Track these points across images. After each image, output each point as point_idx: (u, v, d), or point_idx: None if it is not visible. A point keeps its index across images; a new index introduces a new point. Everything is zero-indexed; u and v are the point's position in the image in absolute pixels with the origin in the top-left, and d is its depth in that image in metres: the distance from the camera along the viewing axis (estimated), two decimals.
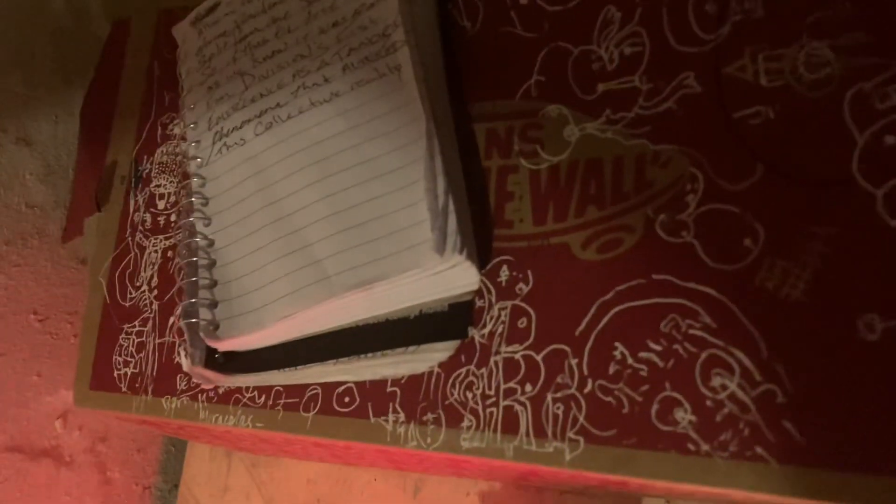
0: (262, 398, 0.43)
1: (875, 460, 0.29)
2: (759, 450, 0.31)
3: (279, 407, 0.42)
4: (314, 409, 0.41)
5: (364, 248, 0.38)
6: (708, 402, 0.33)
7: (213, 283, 0.42)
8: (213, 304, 0.42)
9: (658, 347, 0.34)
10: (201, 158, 0.45)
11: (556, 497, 0.53)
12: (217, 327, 0.41)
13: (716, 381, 0.33)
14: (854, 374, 0.30)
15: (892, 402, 0.29)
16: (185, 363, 0.43)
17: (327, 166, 0.40)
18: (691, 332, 0.34)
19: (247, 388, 0.43)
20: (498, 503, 0.55)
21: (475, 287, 0.38)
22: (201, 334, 0.42)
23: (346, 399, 0.41)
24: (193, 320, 0.42)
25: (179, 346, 0.45)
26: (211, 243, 0.43)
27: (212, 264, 0.43)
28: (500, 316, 0.38)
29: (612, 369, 0.35)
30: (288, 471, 0.64)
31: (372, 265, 0.38)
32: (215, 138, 0.45)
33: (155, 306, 0.48)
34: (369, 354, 0.40)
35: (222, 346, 0.42)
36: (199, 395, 0.45)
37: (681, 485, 0.33)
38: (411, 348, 0.39)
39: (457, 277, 0.37)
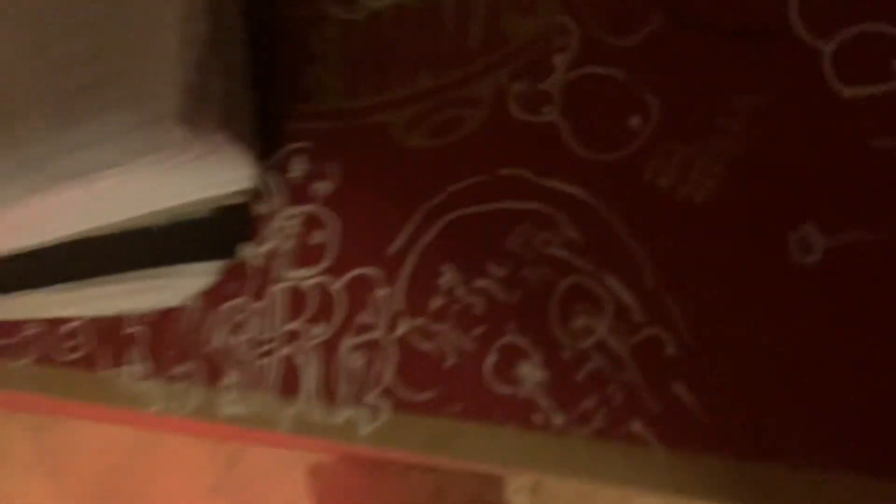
0: None
1: (808, 446, 0.19)
2: (636, 426, 0.21)
3: None
4: (31, 354, 0.29)
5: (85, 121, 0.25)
6: (565, 354, 0.22)
7: None
8: None
9: (501, 272, 0.23)
10: None
11: (399, 472, 0.43)
12: None
13: (578, 323, 0.22)
14: (781, 314, 0.20)
15: (835, 354, 0.19)
16: None
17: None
18: (548, 250, 0.23)
19: None
20: (329, 480, 0.44)
21: (249, 185, 0.26)
22: None
23: (72, 343, 0.28)
24: None
25: None
26: None
27: None
28: (286, 228, 0.26)
29: (435, 304, 0.24)
30: (80, 436, 0.51)
31: (94, 147, 0.25)
32: None
33: None
34: (101, 279, 0.27)
35: None
36: None
37: (525, 471, 0.22)
38: (158, 271, 0.27)
39: (220, 168, 0.26)
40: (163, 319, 0.27)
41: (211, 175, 0.26)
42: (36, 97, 0.26)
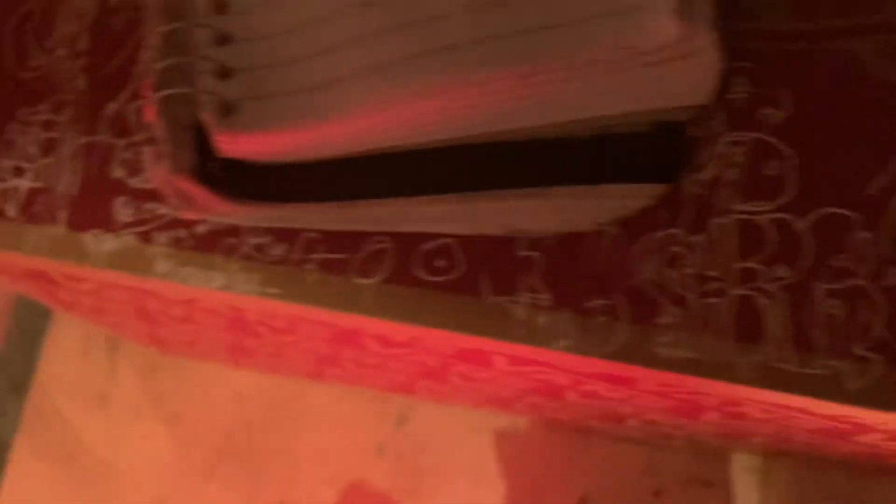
0: (282, 248, 0.25)
1: None
2: None
3: (312, 265, 0.25)
4: (379, 273, 0.25)
5: (536, 1, 0.22)
6: None
7: (224, 37, 0.24)
8: (225, 73, 0.24)
9: None
10: None
11: (607, 445, 0.40)
12: (231, 110, 0.24)
13: None
14: None
15: None
16: (157, 171, 0.25)
17: None
18: None
19: (252, 230, 0.26)
20: (524, 447, 0.40)
21: (704, 100, 0.23)
22: (206, 118, 0.24)
23: (441, 262, 0.24)
24: (179, 91, 0.24)
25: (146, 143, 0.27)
26: None
27: (222, 3, 0.25)
28: (730, 154, 0.24)
29: None
30: (204, 380, 0.46)
31: (547, 33, 0.22)
32: None
33: (81, 82, 0.29)
34: (498, 192, 0.24)
35: (246, 145, 0.24)
36: (157, 233, 0.26)
37: None
38: (578, 189, 0.23)
39: (687, 76, 0.22)
40: (567, 244, 0.24)
41: (675, 82, 0.22)
42: None
